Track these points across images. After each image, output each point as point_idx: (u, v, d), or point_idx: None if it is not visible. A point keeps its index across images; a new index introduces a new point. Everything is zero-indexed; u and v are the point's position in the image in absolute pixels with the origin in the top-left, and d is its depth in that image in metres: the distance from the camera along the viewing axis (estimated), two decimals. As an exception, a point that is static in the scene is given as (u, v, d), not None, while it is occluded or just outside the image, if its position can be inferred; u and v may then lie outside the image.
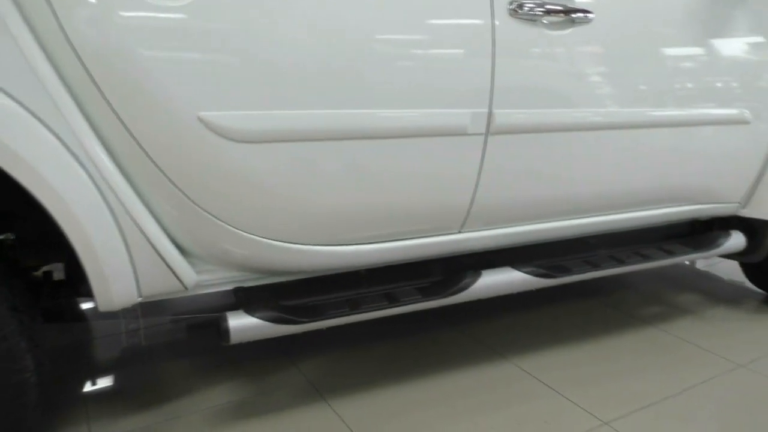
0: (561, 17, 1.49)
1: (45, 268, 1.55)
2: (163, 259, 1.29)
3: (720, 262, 2.91)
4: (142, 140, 1.18)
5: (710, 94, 1.80)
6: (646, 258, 1.95)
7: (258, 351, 2.00)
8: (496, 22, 1.42)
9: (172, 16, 1.13)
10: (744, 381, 1.84)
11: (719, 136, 1.88)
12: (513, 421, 1.62)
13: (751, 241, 2.13)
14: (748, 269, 2.46)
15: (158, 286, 1.33)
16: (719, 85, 1.81)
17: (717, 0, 1.76)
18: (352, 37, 1.27)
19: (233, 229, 1.33)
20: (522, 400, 1.72)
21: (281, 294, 1.54)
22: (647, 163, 1.78)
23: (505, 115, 1.48)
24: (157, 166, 1.21)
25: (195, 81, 1.16)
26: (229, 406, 1.69)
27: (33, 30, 1.08)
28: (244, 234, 1.35)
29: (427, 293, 1.63)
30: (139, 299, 1.32)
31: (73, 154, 1.14)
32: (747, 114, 1.89)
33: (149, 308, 1.44)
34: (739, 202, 2.11)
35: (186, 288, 1.36)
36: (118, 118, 1.16)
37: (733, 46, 1.81)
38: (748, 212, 2.13)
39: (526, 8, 1.43)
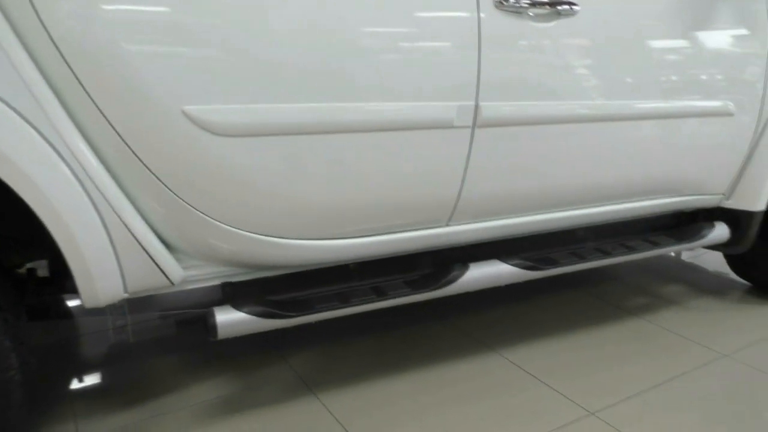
0: (546, 9, 1.49)
1: (29, 265, 1.54)
2: (149, 255, 1.28)
3: (704, 253, 2.95)
4: (126, 135, 1.17)
5: (695, 86, 1.81)
6: (632, 249, 1.97)
7: (247, 345, 1.99)
8: (482, 15, 1.41)
9: (154, 9, 1.12)
10: (728, 370, 1.87)
11: (704, 128, 1.89)
12: (500, 412, 1.63)
13: (734, 232, 2.16)
14: (732, 260, 2.49)
15: (144, 282, 1.32)
16: (704, 77, 1.82)
17: (701, -8, 1.77)
18: (337, 29, 1.27)
19: (219, 224, 1.32)
20: (509, 391, 1.73)
21: (269, 288, 1.53)
22: (633, 155, 1.79)
23: (491, 108, 1.48)
24: (141, 161, 1.20)
25: (179, 75, 1.15)
26: (217, 402, 1.69)
27: (12, 24, 1.06)
28: (231, 229, 1.34)
29: (416, 286, 1.63)
30: (126, 295, 1.31)
31: (56, 150, 1.13)
32: (731, 106, 1.90)
33: (136, 304, 1.43)
34: (723, 194, 2.13)
35: (172, 283, 1.35)
36: (102, 113, 1.14)
37: (718, 39, 1.82)
38: (732, 203, 2.15)
39: (511, 0, 1.43)
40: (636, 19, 1.65)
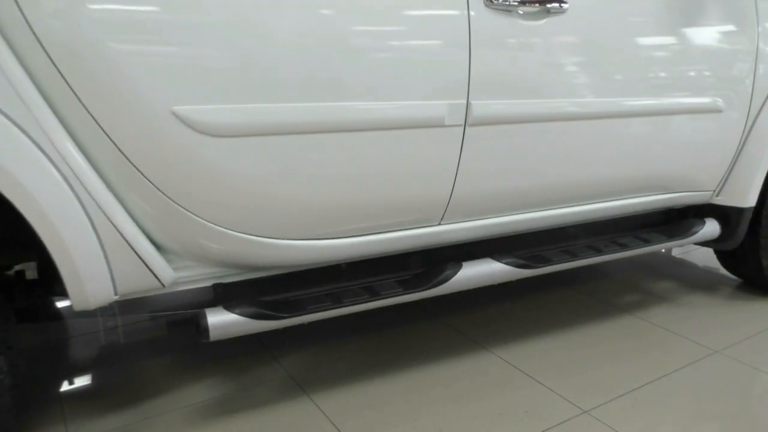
0: (536, 7, 1.49)
1: (18, 267, 1.52)
2: (139, 257, 1.27)
3: (695, 250, 2.97)
4: (115, 136, 1.16)
5: (684, 83, 1.82)
6: (624, 247, 1.97)
7: (239, 346, 1.98)
8: (472, 13, 1.41)
9: (142, 8, 1.11)
10: (719, 366, 1.88)
11: (693, 124, 1.90)
12: (494, 411, 1.63)
13: (725, 229, 2.17)
14: (723, 256, 2.51)
15: (135, 283, 1.31)
16: (693, 74, 1.83)
17: (690, -10, 1.78)
18: (327, 28, 1.26)
19: (209, 224, 1.31)
20: (503, 390, 1.73)
21: (261, 289, 1.53)
22: (624, 152, 1.80)
23: (482, 107, 1.48)
24: (130, 161, 1.19)
25: (168, 75, 1.14)
26: (209, 403, 1.68)
27: (-2, 23, 1.05)
28: (221, 229, 1.33)
29: (408, 286, 1.63)
30: (116, 297, 1.30)
31: (43, 151, 1.12)
32: (720, 102, 1.91)
33: (127, 306, 1.42)
34: (713, 190, 2.14)
35: (163, 285, 1.34)
36: (89, 113, 1.13)
37: (706, 35, 1.83)
38: (722, 200, 2.16)
39: (501, -1, 1.43)
40: (625, 17, 1.66)
